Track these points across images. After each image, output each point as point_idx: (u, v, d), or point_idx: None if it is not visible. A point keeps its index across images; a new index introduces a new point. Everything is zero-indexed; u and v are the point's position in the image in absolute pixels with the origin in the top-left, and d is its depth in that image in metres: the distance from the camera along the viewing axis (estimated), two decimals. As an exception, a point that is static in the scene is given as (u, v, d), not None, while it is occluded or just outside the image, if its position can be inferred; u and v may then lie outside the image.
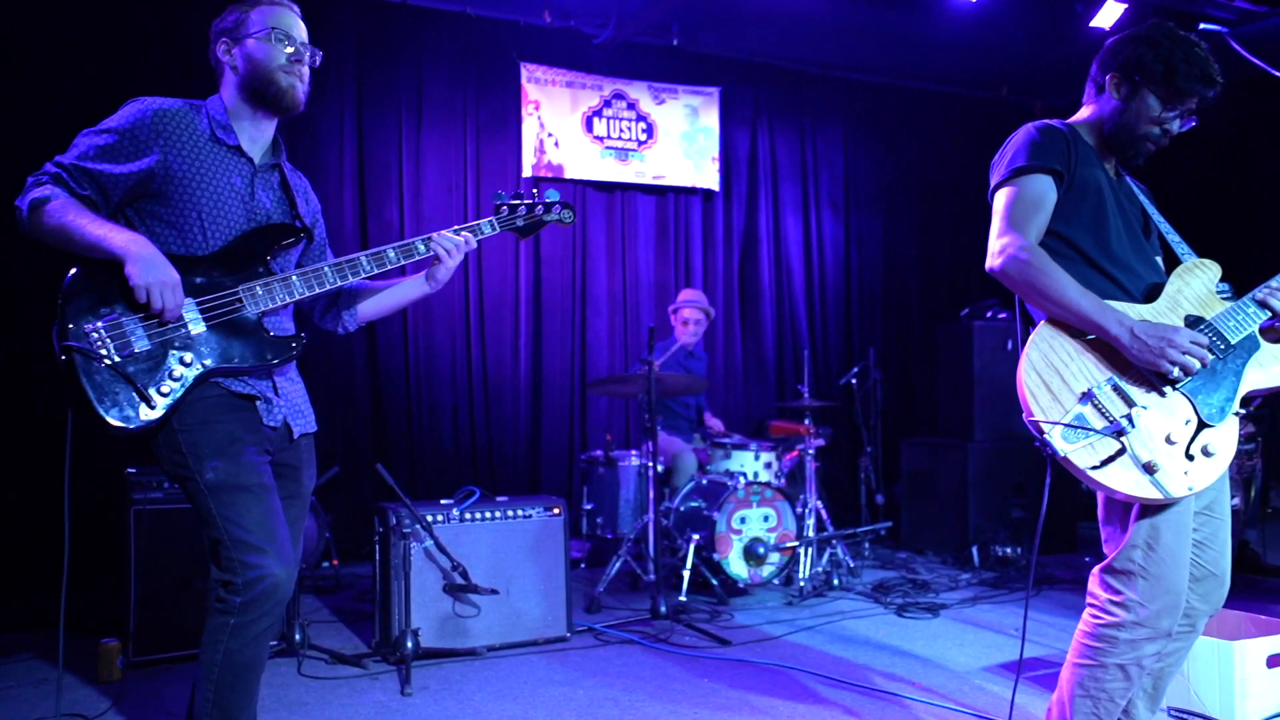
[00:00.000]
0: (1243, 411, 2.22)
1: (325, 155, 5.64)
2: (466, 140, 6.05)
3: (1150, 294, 2.30)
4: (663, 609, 4.20)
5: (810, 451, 5.09)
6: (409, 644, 3.45)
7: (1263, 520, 5.91)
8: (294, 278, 2.26)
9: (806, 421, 5.17)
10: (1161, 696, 2.48)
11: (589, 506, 5.22)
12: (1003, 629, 4.14)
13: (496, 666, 3.63)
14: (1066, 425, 2.11)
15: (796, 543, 4.83)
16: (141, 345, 2.07)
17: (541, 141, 6.23)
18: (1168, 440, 2.12)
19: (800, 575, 4.84)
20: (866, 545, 5.80)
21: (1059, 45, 6.09)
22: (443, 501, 3.90)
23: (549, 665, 3.66)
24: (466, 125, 6.05)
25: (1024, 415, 2.18)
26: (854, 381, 6.05)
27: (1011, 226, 2.27)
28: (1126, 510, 2.21)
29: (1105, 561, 2.26)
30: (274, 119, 2.34)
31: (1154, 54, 2.28)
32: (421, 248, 2.40)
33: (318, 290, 2.29)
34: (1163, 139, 2.36)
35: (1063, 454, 2.11)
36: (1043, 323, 2.26)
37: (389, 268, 2.35)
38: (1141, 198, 2.48)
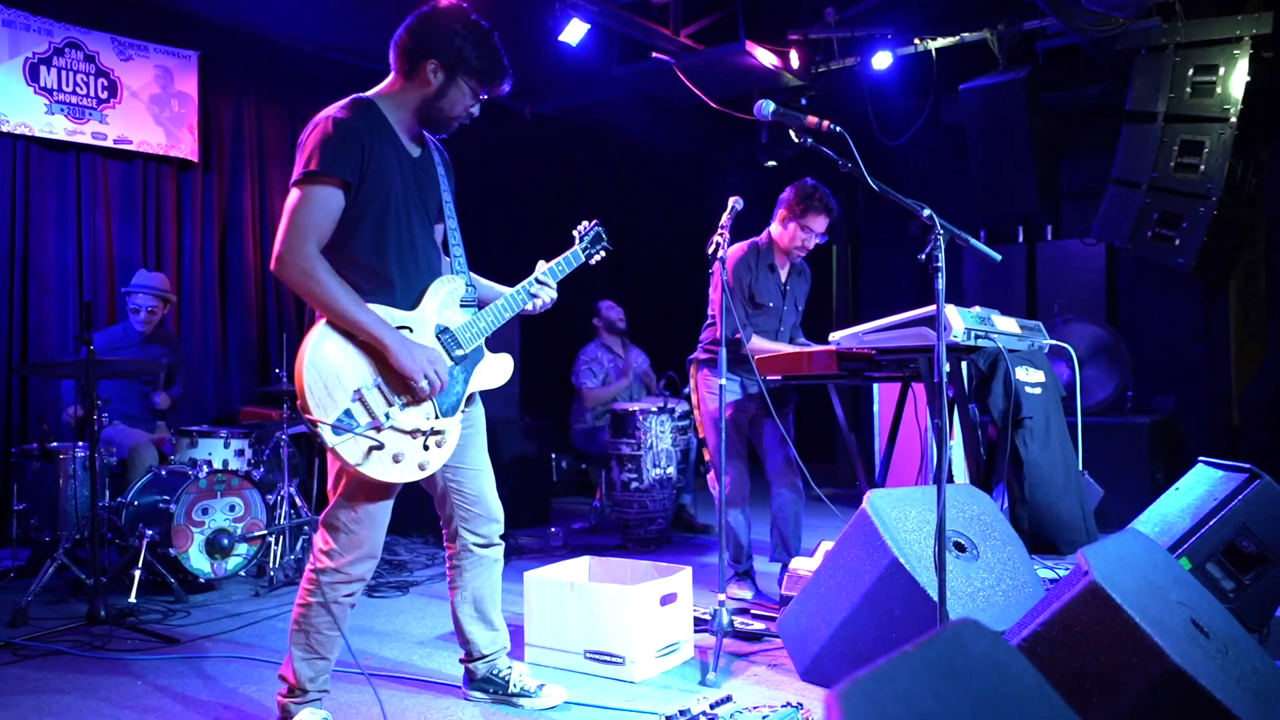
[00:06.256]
0: (468, 410, 2.66)
1: None
2: None
3: (418, 299, 2.58)
4: (102, 613, 3.82)
5: (284, 437, 4.94)
6: None
7: (697, 488, 6.88)
8: None
9: (284, 406, 5.01)
10: (489, 617, 2.89)
11: (21, 507, 4.58)
12: (466, 599, 4.37)
13: None
14: (335, 424, 2.33)
15: (265, 531, 4.66)
16: None
17: (-30, 85, 5.32)
18: (413, 434, 2.46)
19: (272, 564, 4.69)
20: (349, 530, 5.77)
21: (536, 53, 6.55)
22: None
23: (-59, 693, 3.15)
24: None
25: (299, 409, 2.35)
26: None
27: (293, 233, 2.38)
28: (340, 473, 2.51)
29: (323, 515, 2.57)
30: None
31: (470, 47, 2.55)
32: None
33: None
34: (466, 119, 2.66)
35: (331, 445, 2.33)
36: (321, 322, 2.42)
37: None
38: (441, 173, 2.73)
